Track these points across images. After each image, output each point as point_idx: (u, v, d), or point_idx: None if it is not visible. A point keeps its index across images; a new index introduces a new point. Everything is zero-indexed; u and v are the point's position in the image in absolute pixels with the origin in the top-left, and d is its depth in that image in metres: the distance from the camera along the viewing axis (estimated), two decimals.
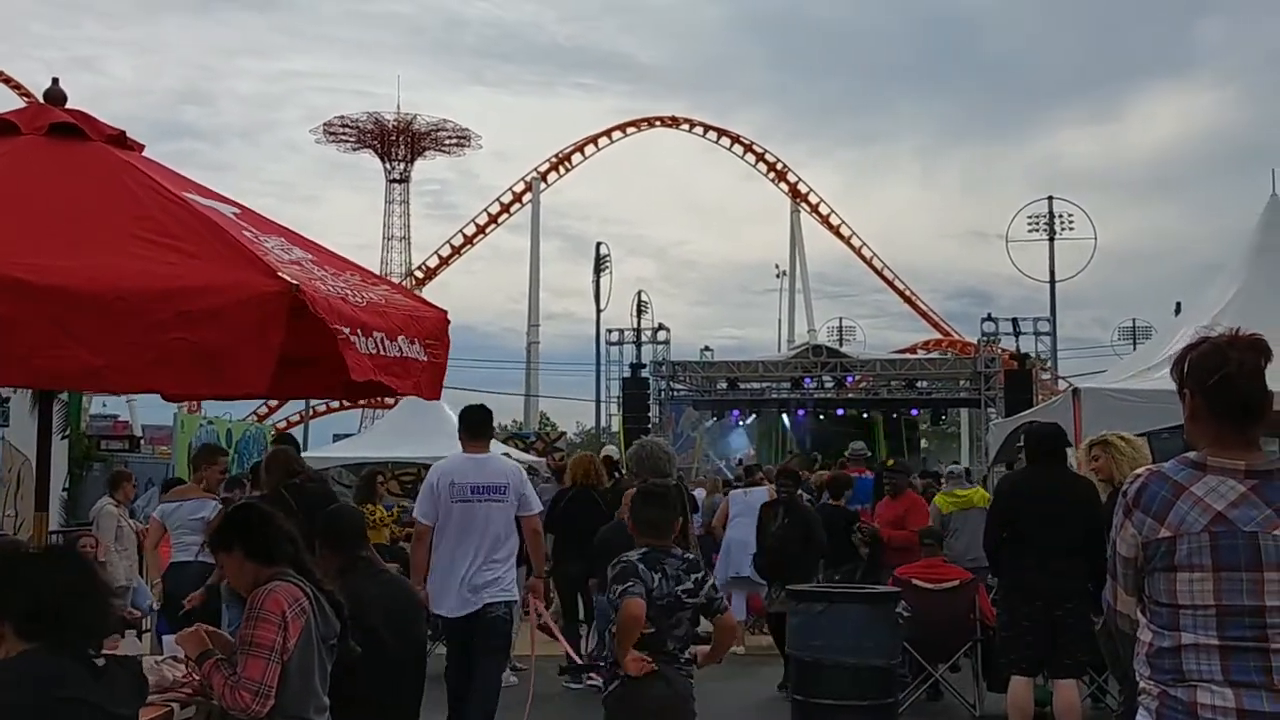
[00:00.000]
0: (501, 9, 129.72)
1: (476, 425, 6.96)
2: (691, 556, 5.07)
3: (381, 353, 3.28)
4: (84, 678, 2.79)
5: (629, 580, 4.71)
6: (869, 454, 14.04)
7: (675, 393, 34.70)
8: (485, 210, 57.11)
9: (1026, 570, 6.87)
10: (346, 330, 3.10)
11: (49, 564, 2.92)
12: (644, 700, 4.72)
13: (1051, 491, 6.92)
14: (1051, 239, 41.89)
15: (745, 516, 11.56)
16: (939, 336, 53.21)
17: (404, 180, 67.07)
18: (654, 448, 9.02)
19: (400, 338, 3.41)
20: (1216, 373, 2.70)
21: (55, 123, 3.54)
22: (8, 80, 51.58)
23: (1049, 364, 37.66)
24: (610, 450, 13.83)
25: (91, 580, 3.00)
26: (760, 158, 57.66)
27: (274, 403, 44.78)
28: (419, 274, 56.89)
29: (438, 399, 3.87)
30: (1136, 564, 2.81)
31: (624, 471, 11.49)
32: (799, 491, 10.94)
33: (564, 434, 42.37)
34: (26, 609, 2.78)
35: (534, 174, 55.44)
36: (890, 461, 12.66)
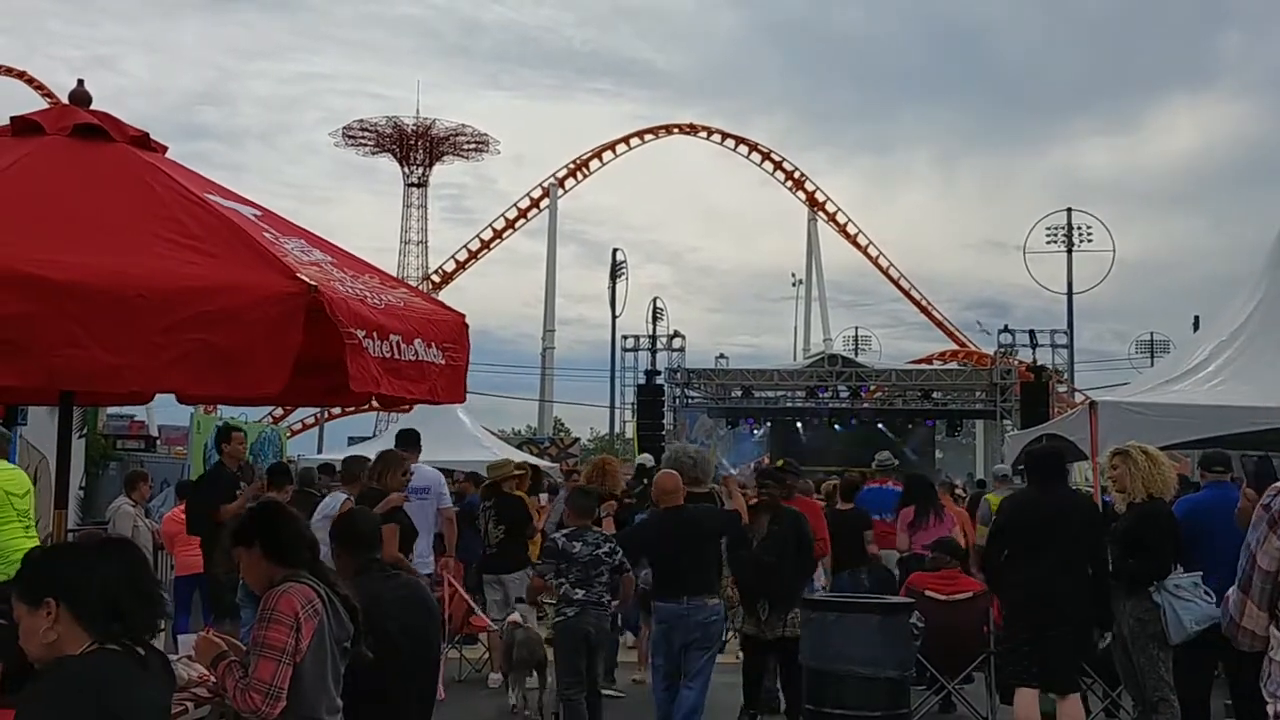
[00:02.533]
0: (517, 13, 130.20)
1: (409, 443, 9.26)
2: (608, 533, 7.62)
3: (396, 356, 3.28)
4: (138, 673, 2.81)
5: (544, 560, 7.50)
6: (895, 463, 13.73)
7: (690, 400, 34.70)
8: (503, 215, 57.31)
9: (1027, 587, 6.93)
10: (361, 333, 3.10)
11: (109, 554, 2.94)
12: (578, 627, 7.22)
13: (1052, 510, 7.00)
14: (1070, 251, 41.79)
15: None
16: (955, 347, 53.10)
17: (422, 184, 67.32)
18: (690, 454, 9.01)
19: (417, 340, 3.42)
20: None
21: (79, 124, 3.57)
22: (30, 80, 51.97)
23: (1066, 376, 37.52)
24: (645, 459, 14.03)
25: (147, 573, 3.03)
26: (778, 166, 57.72)
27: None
28: (436, 278, 57.04)
29: (458, 402, 3.88)
30: (1276, 578, 2.76)
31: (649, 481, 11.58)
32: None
33: (577, 440, 42.45)
34: (86, 597, 2.80)
35: (552, 180, 55.57)
36: (780, 461, 10.84)
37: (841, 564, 10.76)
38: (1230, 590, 2.90)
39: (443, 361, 3.55)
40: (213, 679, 3.90)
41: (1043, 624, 6.85)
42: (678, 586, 7.42)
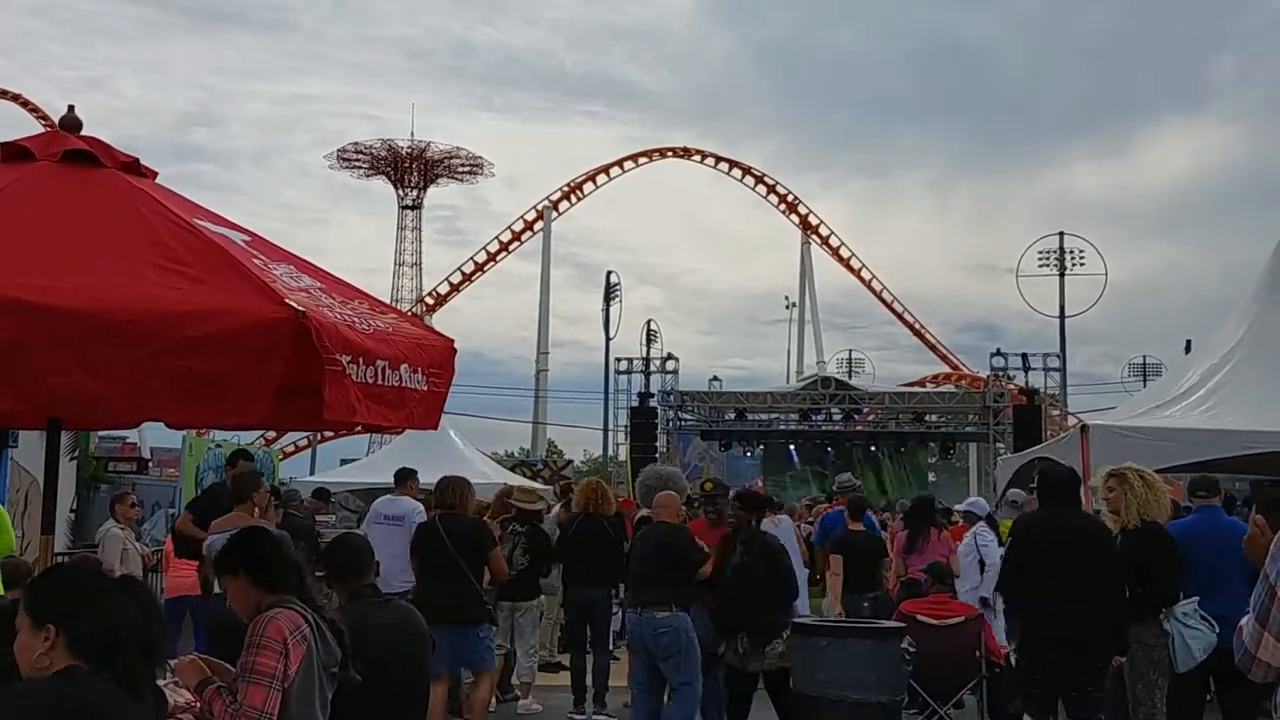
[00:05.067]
0: (509, 35, 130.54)
1: (399, 479, 10.83)
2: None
3: (379, 382, 3.28)
4: (124, 705, 2.78)
5: None
6: (857, 485, 13.73)
7: (683, 422, 34.68)
8: (496, 238, 57.35)
9: (1044, 612, 6.73)
10: (346, 359, 3.09)
11: (124, 596, 2.91)
12: None
13: (1068, 534, 6.79)
14: (1062, 274, 41.91)
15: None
16: (948, 370, 53.10)
17: (416, 207, 67.40)
18: (661, 477, 9.09)
19: (403, 366, 3.42)
20: None
21: (69, 149, 3.57)
22: (25, 103, 52.05)
23: (1058, 399, 37.56)
24: None
25: (159, 624, 2.99)
26: (771, 189, 57.84)
27: None
28: (429, 300, 57.04)
29: (432, 428, 3.85)
30: None
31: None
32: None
33: (571, 462, 42.37)
34: (88, 634, 2.78)
35: (546, 203, 55.65)
36: (708, 485, 9.82)
37: (849, 587, 10.64)
38: (1244, 621, 2.84)
39: (425, 388, 3.55)
40: (198, 704, 3.88)
41: (1072, 654, 6.64)
42: (635, 597, 8.09)
